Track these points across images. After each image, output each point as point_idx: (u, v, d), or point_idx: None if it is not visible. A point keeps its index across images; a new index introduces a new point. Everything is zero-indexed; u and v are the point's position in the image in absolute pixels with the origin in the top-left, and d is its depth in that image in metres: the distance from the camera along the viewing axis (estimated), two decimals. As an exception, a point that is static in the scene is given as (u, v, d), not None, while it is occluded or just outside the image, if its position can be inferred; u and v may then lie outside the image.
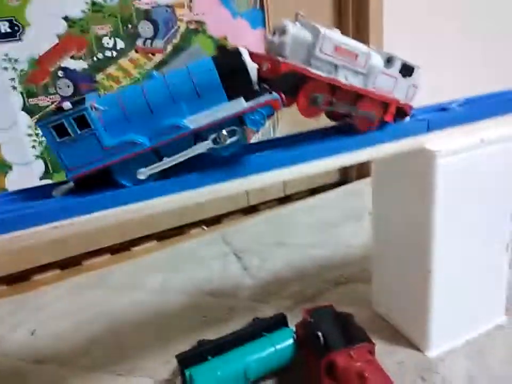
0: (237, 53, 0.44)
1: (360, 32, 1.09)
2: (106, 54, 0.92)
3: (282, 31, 0.45)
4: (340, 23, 1.11)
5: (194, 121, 0.43)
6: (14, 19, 0.83)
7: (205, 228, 1.13)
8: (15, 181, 0.90)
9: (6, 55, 0.84)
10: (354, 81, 0.50)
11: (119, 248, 1.01)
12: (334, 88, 0.49)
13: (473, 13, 1.28)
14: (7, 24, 0.83)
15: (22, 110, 0.88)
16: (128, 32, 0.92)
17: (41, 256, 0.92)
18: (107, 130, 0.42)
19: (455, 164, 0.56)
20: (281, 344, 0.57)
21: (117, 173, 0.43)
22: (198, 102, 0.43)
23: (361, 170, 1.23)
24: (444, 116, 0.58)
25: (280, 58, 0.43)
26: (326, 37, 0.46)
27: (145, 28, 0.94)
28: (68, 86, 0.90)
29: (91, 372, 0.65)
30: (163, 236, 1.07)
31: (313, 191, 1.25)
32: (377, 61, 0.52)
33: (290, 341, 0.58)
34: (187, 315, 0.76)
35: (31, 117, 0.89)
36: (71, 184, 0.44)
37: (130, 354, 0.68)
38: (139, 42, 0.94)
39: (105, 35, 0.91)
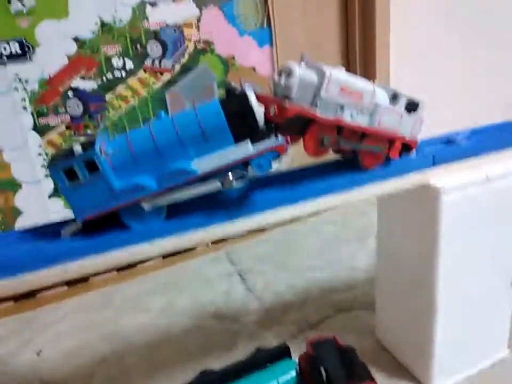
0: (244, 96, 0.44)
1: (367, 65, 1.09)
2: (115, 74, 0.93)
3: (288, 74, 0.45)
4: (347, 52, 1.11)
5: (201, 164, 0.43)
6: (24, 40, 0.85)
7: (210, 245, 1.14)
8: (24, 200, 0.91)
9: (17, 75, 0.86)
10: (360, 120, 0.51)
11: (125, 266, 1.02)
12: (340, 127, 0.50)
13: (479, 43, 1.28)
14: (17, 44, 0.84)
15: (33, 129, 0.89)
16: (137, 52, 0.93)
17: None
18: (116, 173, 0.43)
19: (459, 200, 0.56)
20: (284, 376, 0.57)
21: (125, 214, 0.44)
22: (205, 144, 0.44)
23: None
24: (449, 150, 0.58)
25: (286, 103, 0.44)
26: (332, 78, 0.46)
27: (154, 48, 0.95)
28: (78, 106, 0.91)
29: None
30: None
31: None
32: (382, 98, 0.52)
33: (293, 374, 0.58)
34: (191, 339, 0.77)
35: (41, 136, 0.90)
36: (79, 223, 0.45)
37: (134, 379, 0.69)
38: (148, 62, 0.95)
39: (115, 55, 0.92)
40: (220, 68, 1.02)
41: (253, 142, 0.44)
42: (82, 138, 0.44)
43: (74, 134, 0.92)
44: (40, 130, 0.90)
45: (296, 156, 0.53)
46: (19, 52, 0.85)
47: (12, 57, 0.84)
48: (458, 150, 0.59)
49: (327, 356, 0.56)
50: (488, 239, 0.59)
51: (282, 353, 0.61)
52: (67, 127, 0.91)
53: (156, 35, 0.94)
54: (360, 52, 1.08)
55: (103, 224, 0.44)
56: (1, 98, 0.86)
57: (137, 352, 0.75)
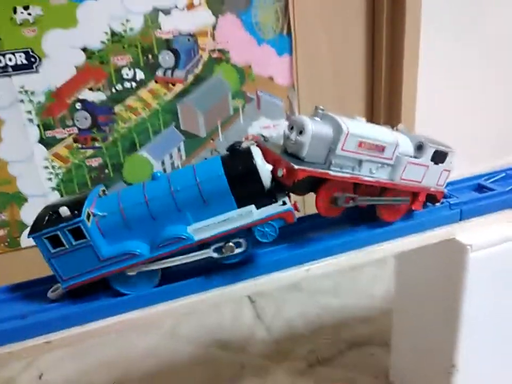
0: (248, 155, 0.40)
1: (392, 82, 1.02)
2: (125, 85, 0.88)
3: (300, 131, 0.40)
4: (372, 65, 1.03)
5: (199, 231, 0.39)
6: (31, 50, 0.81)
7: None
8: (30, 213, 0.89)
9: (22, 87, 0.82)
10: (380, 174, 0.45)
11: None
12: (358, 185, 0.45)
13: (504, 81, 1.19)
14: (23, 55, 0.81)
15: (39, 142, 0.86)
16: (148, 62, 0.89)
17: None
18: (105, 237, 0.39)
19: (487, 257, 0.51)
20: None
21: (115, 281, 0.40)
22: (204, 209, 0.39)
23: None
24: (479, 201, 0.53)
25: (296, 166, 0.39)
26: (349, 134, 0.41)
27: (166, 58, 0.90)
28: (86, 118, 0.88)
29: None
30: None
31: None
32: (405, 150, 0.47)
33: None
34: (196, 370, 0.74)
35: (48, 149, 0.87)
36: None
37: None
38: (159, 73, 0.90)
39: (125, 66, 0.87)
40: (236, 78, 0.96)
41: (257, 206, 0.40)
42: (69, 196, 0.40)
43: (82, 147, 0.89)
44: (47, 143, 0.87)
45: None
46: (25, 62, 0.81)
47: (18, 68, 0.81)
48: (489, 201, 0.53)
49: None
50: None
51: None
52: (74, 140, 0.88)
53: (168, 44, 0.89)
54: (386, 65, 1.01)
55: (92, 288, 0.41)
56: (7, 111, 0.83)
57: (141, 379, 0.73)
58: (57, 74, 0.84)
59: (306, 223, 0.50)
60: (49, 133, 0.86)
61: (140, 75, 0.89)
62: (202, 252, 0.40)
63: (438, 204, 0.51)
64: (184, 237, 0.39)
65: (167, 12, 0.87)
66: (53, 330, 0.39)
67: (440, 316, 0.57)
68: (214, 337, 0.81)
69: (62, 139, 0.88)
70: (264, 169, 0.39)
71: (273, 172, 0.40)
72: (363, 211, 0.49)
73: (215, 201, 0.39)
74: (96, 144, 0.90)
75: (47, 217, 0.38)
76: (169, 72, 0.91)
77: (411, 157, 0.47)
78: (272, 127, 1.02)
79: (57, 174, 0.89)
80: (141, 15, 0.86)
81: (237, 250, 0.40)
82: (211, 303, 0.43)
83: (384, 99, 1.04)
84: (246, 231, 0.39)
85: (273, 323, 0.84)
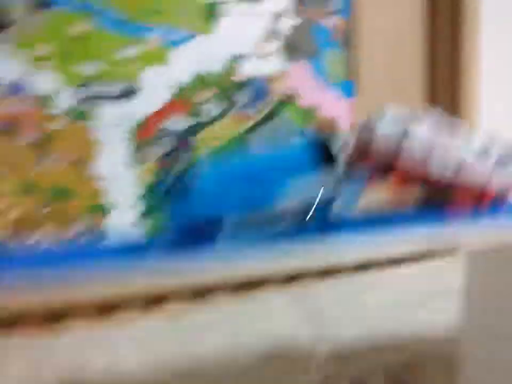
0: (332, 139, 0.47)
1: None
2: (204, 118, 1.00)
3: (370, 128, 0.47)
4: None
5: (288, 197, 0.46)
6: (128, 83, 0.95)
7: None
8: (113, 223, 0.98)
9: (120, 113, 0.96)
10: (444, 174, 0.50)
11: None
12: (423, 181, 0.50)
13: None
14: (121, 87, 0.95)
15: (127, 162, 0.98)
16: (225, 100, 1.01)
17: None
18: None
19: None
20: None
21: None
22: (293, 178, 0.46)
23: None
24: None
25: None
26: (415, 136, 0.47)
27: (241, 97, 1.02)
28: (168, 144, 0.99)
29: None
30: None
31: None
32: (469, 152, 0.51)
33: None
34: None
35: (134, 169, 0.98)
36: None
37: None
38: (234, 110, 1.02)
39: (205, 102, 1.00)
40: (301, 119, 1.06)
41: (338, 181, 0.46)
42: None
43: (161, 169, 1.00)
44: (135, 163, 0.98)
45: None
46: (122, 93, 0.95)
47: (116, 98, 0.95)
48: None
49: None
50: None
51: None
52: (157, 163, 0.99)
53: (244, 85, 1.02)
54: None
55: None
56: (105, 133, 0.96)
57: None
58: (149, 104, 0.97)
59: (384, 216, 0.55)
60: (137, 155, 0.98)
61: (218, 110, 1.01)
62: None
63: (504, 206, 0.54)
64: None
65: (245, 58, 1.01)
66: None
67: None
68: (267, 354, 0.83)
69: (146, 162, 0.99)
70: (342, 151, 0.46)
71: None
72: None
73: (303, 171, 0.46)
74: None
75: None
76: (242, 109, 1.03)
77: None
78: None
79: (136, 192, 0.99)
80: (222, 60, 1.00)
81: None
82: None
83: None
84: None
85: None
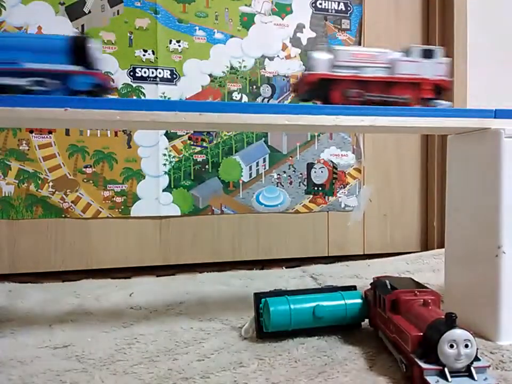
0: None
1: None
2: (232, 104, 1.18)
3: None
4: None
5: None
6: (175, 69, 1.14)
7: (285, 268, 1.24)
8: (144, 189, 1.13)
9: (163, 93, 1.13)
10: (378, 74, 0.64)
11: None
12: (363, 84, 0.63)
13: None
14: (168, 72, 1.13)
15: (164, 135, 1.14)
16: (252, 91, 1.19)
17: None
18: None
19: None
20: (351, 299, 0.66)
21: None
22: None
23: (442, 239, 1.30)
24: None
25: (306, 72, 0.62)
26: (342, 50, 0.64)
27: (266, 90, 1.20)
28: (200, 123, 1.16)
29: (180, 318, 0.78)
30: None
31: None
32: (396, 54, 0.65)
33: (359, 300, 0.66)
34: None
35: (169, 141, 1.14)
36: None
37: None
38: (259, 99, 1.20)
39: (235, 91, 1.18)
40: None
41: None
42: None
43: (193, 144, 1.16)
44: (169, 136, 1.14)
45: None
46: (169, 77, 1.14)
47: (164, 80, 1.13)
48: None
49: (391, 282, 0.64)
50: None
51: (350, 288, 0.70)
52: (189, 138, 1.15)
53: (268, 80, 1.20)
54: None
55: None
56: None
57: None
58: (188, 89, 1.15)
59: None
60: (173, 130, 1.14)
61: (245, 99, 1.19)
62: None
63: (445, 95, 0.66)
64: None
65: (271, 58, 1.20)
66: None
67: (483, 210, 0.67)
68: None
69: (181, 136, 1.15)
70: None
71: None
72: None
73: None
74: (204, 144, 1.16)
75: None
76: (266, 100, 1.20)
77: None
78: (340, 156, 1.25)
79: (170, 162, 1.14)
80: (253, 58, 1.19)
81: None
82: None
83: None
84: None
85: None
